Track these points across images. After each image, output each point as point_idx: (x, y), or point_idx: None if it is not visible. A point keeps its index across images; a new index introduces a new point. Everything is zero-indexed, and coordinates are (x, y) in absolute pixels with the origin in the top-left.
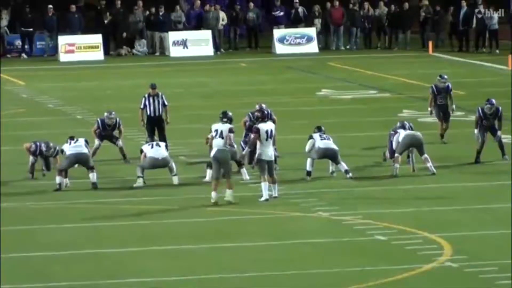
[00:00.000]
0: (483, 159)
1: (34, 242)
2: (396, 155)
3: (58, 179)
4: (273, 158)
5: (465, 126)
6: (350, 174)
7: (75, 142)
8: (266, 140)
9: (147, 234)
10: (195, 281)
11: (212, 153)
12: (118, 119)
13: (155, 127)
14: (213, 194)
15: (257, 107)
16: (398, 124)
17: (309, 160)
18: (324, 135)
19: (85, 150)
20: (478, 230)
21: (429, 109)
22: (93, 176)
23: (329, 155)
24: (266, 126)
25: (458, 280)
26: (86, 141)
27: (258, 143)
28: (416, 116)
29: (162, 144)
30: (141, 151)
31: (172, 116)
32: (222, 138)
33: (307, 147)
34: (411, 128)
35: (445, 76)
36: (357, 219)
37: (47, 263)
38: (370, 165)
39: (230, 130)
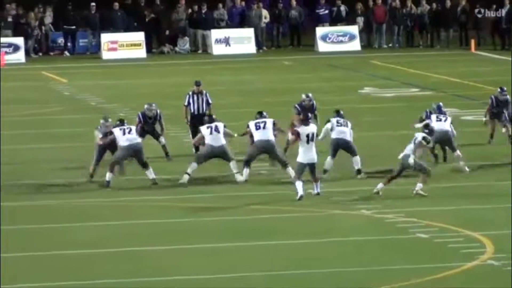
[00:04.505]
0: None
1: (71, 240)
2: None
3: (108, 175)
4: (315, 161)
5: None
6: (362, 175)
7: (129, 132)
8: (307, 143)
9: (186, 232)
10: (234, 279)
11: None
12: (158, 110)
13: (199, 125)
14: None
15: (303, 96)
16: (424, 114)
17: (329, 159)
18: (341, 120)
19: (139, 140)
20: None
21: (483, 119)
22: (150, 173)
23: (342, 146)
24: (307, 130)
25: (500, 278)
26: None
27: (299, 146)
28: (459, 114)
29: (221, 127)
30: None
31: (214, 114)
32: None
33: (321, 135)
34: (439, 119)
35: (505, 89)
36: (400, 217)
37: (85, 261)
38: None
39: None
